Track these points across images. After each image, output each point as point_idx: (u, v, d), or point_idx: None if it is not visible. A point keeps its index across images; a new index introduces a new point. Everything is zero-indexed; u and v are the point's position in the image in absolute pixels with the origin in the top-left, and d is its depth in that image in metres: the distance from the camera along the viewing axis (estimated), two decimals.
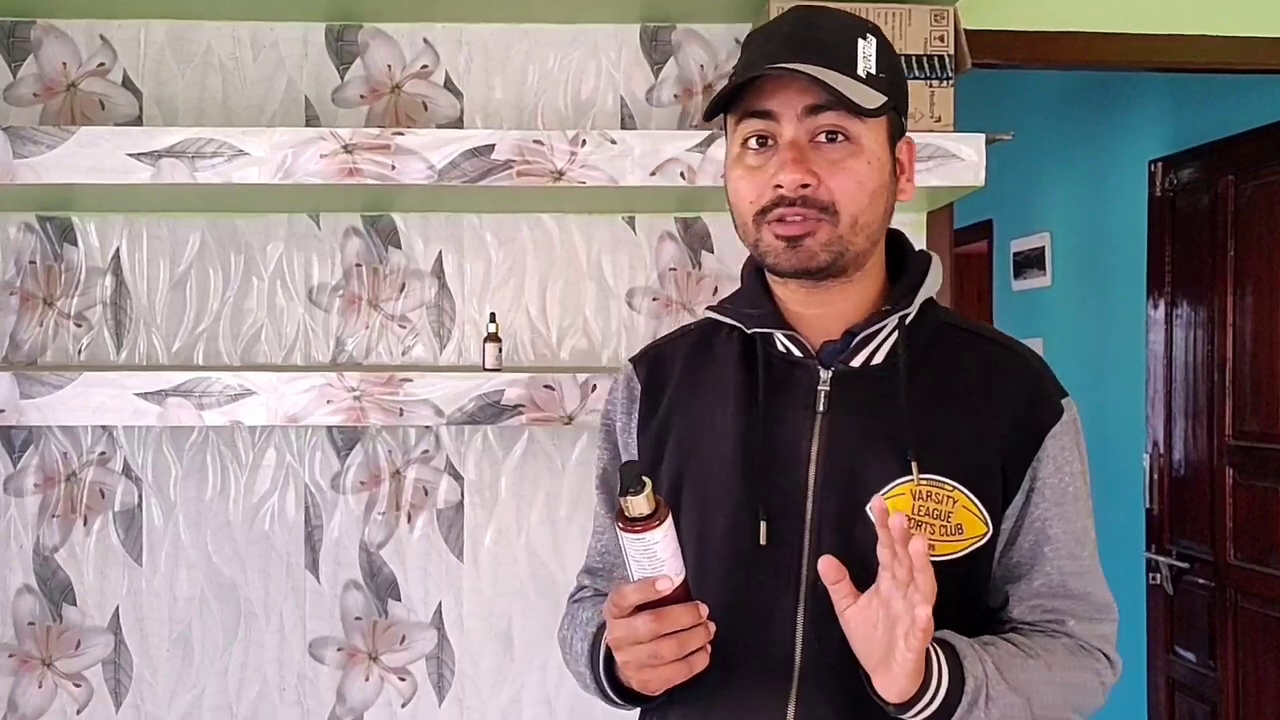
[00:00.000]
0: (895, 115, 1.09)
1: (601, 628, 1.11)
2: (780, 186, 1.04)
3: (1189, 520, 3.24)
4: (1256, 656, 2.97)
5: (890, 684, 0.97)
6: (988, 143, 1.78)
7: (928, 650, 0.98)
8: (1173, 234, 3.34)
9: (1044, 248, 4.40)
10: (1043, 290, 4.44)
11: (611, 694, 1.13)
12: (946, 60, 1.81)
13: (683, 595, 1.02)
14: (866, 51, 1.06)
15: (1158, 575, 3.33)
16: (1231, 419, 3.06)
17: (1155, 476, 3.39)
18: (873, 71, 1.06)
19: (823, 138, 1.05)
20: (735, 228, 1.13)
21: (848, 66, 1.04)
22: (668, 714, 1.14)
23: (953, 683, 0.99)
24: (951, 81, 1.82)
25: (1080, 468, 1.12)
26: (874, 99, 1.04)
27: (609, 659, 1.10)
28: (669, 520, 1.00)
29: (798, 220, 1.05)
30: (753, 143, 1.07)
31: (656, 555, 0.99)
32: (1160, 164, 3.40)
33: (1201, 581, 3.17)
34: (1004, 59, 2.15)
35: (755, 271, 1.17)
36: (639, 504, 0.97)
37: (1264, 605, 2.93)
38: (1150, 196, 3.43)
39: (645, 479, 0.98)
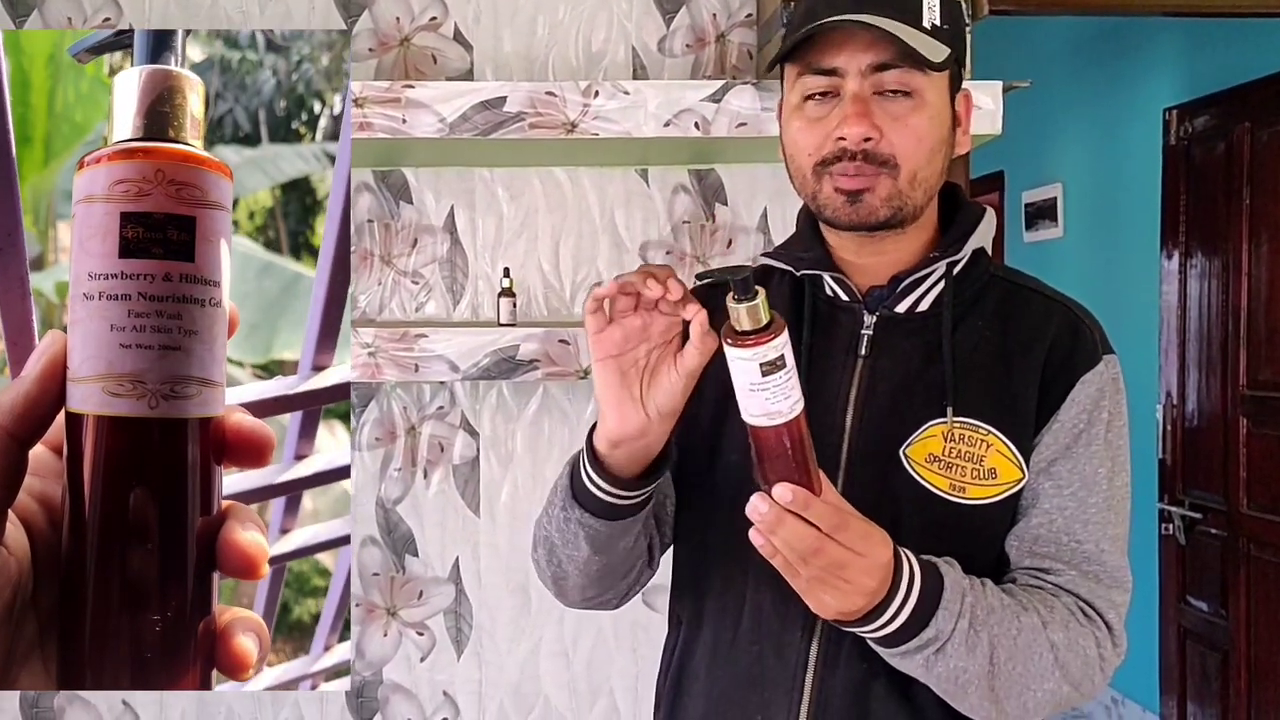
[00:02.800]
0: (956, 67, 1.08)
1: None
2: (843, 139, 1.04)
3: (1202, 470, 3.25)
4: (1269, 606, 2.98)
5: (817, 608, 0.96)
6: (1005, 91, 1.75)
7: (901, 589, 0.95)
8: (1187, 183, 3.31)
9: (1056, 198, 4.37)
10: (1055, 241, 4.41)
11: (590, 478, 1.06)
12: (964, 7, 1.78)
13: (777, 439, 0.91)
14: (931, 2, 1.05)
15: (1170, 525, 3.34)
16: (1246, 369, 3.06)
17: (1168, 427, 3.39)
18: (937, 23, 1.05)
19: (886, 92, 1.04)
20: (791, 179, 1.12)
21: (914, 18, 1.03)
22: (694, 643, 1.15)
23: (909, 627, 0.96)
24: (969, 28, 1.79)
25: (1108, 419, 1.09)
26: (940, 51, 1.03)
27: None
28: (781, 346, 0.90)
29: (858, 174, 1.04)
30: (815, 95, 1.06)
31: (773, 384, 0.90)
32: (1175, 112, 3.37)
33: (1214, 531, 3.18)
34: (1020, 5, 2.12)
35: (808, 217, 1.17)
36: (744, 315, 0.90)
37: (1277, 555, 2.94)
38: (1165, 145, 3.40)
39: (759, 288, 0.89)
